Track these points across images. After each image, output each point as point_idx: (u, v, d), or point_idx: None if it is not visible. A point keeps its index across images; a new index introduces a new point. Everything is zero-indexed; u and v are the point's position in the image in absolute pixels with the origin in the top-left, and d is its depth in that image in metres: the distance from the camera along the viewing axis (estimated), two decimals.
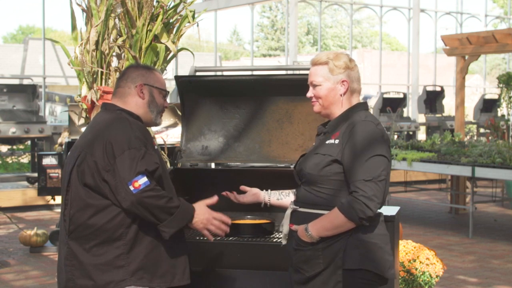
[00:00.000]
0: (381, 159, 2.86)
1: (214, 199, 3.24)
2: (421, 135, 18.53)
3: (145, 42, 4.26)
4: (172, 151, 4.07)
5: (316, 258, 2.93)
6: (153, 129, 4.47)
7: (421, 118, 16.49)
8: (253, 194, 3.39)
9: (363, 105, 3.06)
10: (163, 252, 3.07)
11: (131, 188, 2.92)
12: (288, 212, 3.11)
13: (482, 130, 15.51)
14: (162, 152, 4.46)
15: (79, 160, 3.05)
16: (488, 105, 15.73)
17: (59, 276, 3.16)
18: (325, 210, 2.92)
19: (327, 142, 2.99)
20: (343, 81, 3.01)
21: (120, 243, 2.99)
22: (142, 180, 2.93)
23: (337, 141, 2.94)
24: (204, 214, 3.15)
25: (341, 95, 3.02)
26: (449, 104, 20.68)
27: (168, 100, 3.33)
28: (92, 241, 3.01)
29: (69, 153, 3.19)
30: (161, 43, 4.32)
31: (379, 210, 2.89)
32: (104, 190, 2.99)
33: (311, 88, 3.08)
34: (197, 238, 3.61)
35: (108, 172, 2.96)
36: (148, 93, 3.21)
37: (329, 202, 2.93)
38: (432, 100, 15.68)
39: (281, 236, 3.18)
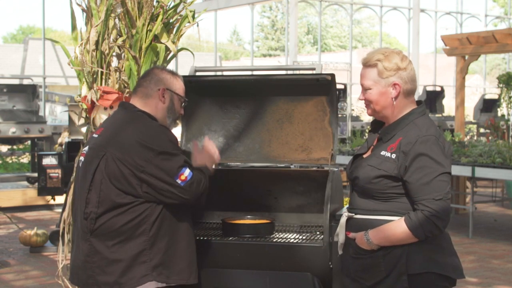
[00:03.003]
0: (446, 176, 2.78)
1: (195, 144, 3.45)
2: None
3: (145, 42, 4.26)
4: None
5: (376, 265, 2.83)
6: None
7: None
8: None
9: (419, 111, 2.91)
10: (181, 249, 3.13)
11: (179, 181, 3.03)
12: (343, 220, 3.01)
13: (482, 130, 15.51)
14: None
15: (105, 160, 3.06)
16: (488, 105, 15.72)
17: (78, 274, 3.17)
18: (383, 215, 2.84)
19: (381, 153, 2.87)
20: (394, 84, 2.86)
21: (143, 238, 3.04)
22: (187, 172, 3.06)
23: (393, 156, 2.82)
24: (209, 159, 3.34)
25: (392, 98, 2.88)
26: (449, 104, 20.67)
27: None
28: (117, 238, 3.04)
29: (87, 150, 3.19)
30: (161, 43, 4.31)
31: None
32: (137, 189, 3.02)
33: (362, 90, 2.96)
34: (197, 238, 3.60)
35: (143, 172, 3.01)
36: (169, 99, 3.25)
37: (388, 207, 2.85)
38: (432, 100, 15.68)
39: (338, 246, 3.07)
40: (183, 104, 3.33)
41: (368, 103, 2.95)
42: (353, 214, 2.97)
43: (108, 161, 3.05)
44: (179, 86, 3.30)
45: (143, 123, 3.13)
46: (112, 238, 3.05)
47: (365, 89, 2.94)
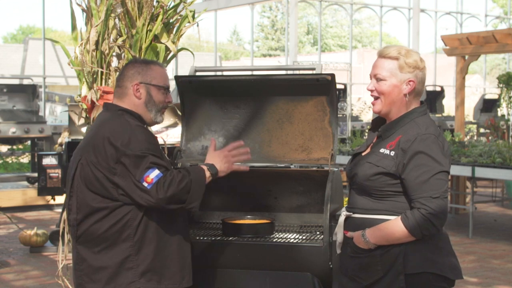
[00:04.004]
0: (445, 175, 2.77)
1: (213, 142, 3.21)
2: None
3: (145, 42, 4.26)
4: (172, 151, 4.06)
5: (374, 265, 2.83)
6: (153, 129, 4.47)
7: None
8: None
9: (420, 111, 2.91)
10: (172, 253, 3.05)
11: (145, 184, 2.88)
12: (342, 219, 3.01)
13: (482, 130, 15.50)
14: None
15: (81, 164, 3.00)
16: (488, 105, 15.72)
17: (73, 281, 3.15)
18: (381, 215, 2.84)
19: (380, 150, 2.87)
20: (410, 81, 2.87)
21: (128, 244, 2.96)
22: (154, 174, 2.89)
23: (392, 153, 2.82)
24: (220, 160, 3.12)
25: (405, 95, 2.88)
26: (449, 104, 20.66)
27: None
28: (101, 244, 2.98)
29: (72, 156, 3.13)
30: (161, 43, 4.31)
31: None
32: (112, 193, 2.94)
33: (373, 81, 2.93)
34: (197, 238, 3.61)
35: (115, 175, 2.92)
36: (145, 92, 3.10)
37: (385, 206, 2.85)
38: (432, 100, 15.67)
39: (336, 245, 3.07)
40: (165, 92, 3.16)
41: (378, 95, 2.92)
42: (351, 213, 2.97)
43: (83, 165, 2.98)
44: (154, 75, 3.12)
45: (118, 123, 3.02)
46: (96, 244, 2.98)
47: (377, 79, 2.91)
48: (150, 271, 2.99)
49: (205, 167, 3.09)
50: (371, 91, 2.95)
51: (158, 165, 2.93)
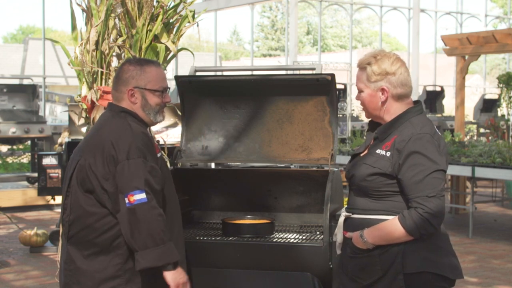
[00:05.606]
0: (441, 173, 2.78)
1: None
2: None
3: (145, 42, 4.26)
4: (172, 151, 4.06)
5: (373, 265, 2.83)
6: (153, 128, 4.47)
7: None
8: None
9: (415, 110, 2.91)
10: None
11: (126, 200, 2.83)
12: (341, 220, 3.02)
13: (482, 130, 15.50)
14: (162, 152, 4.44)
15: (79, 165, 2.96)
16: (488, 105, 15.72)
17: (59, 279, 3.13)
18: (380, 215, 2.85)
19: (377, 151, 2.88)
20: (382, 89, 2.87)
21: (118, 252, 2.93)
22: (139, 196, 2.83)
23: (388, 154, 2.83)
24: (184, 275, 2.97)
25: (382, 103, 2.90)
26: (449, 104, 20.65)
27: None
28: (91, 248, 2.95)
29: (72, 155, 3.11)
30: (161, 43, 4.31)
31: None
32: (102, 198, 2.91)
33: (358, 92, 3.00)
34: (197, 238, 3.61)
35: (107, 180, 2.88)
36: (140, 97, 3.03)
37: (384, 206, 2.85)
38: (432, 100, 15.68)
39: (336, 245, 3.08)
40: (161, 94, 3.06)
41: (361, 105, 2.99)
42: (350, 214, 2.98)
43: (81, 166, 2.94)
44: (149, 79, 3.03)
45: (120, 126, 2.96)
46: (86, 248, 2.95)
47: (358, 91, 2.98)
48: (139, 279, 2.95)
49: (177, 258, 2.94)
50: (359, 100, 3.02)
51: (150, 188, 2.87)
